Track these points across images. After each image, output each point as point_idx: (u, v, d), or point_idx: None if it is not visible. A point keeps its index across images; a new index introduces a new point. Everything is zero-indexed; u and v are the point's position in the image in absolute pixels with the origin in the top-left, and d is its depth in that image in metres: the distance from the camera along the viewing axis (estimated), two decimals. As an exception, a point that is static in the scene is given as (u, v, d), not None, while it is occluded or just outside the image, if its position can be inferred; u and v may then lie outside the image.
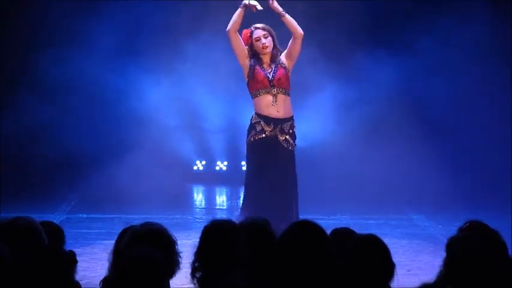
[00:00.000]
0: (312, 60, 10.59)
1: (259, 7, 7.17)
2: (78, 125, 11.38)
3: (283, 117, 7.19)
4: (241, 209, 7.28)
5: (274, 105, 7.17)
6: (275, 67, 7.21)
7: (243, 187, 7.31)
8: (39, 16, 11.21)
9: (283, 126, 7.19)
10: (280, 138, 7.18)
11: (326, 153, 11.35)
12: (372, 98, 11.38)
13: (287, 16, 7.19)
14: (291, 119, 7.23)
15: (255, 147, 7.19)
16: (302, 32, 7.19)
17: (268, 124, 7.17)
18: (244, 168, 11.80)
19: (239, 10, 7.15)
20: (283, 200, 7.10)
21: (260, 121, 7.18)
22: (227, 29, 7.15)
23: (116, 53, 11.30)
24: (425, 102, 11.59)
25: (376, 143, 11.34)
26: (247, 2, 7.15)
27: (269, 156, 7.13)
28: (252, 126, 7.21)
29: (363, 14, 11.36)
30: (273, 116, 7.16)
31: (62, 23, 11.27)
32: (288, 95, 7.23)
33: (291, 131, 7.22)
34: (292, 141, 7.22)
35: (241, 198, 7.41)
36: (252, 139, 7.19)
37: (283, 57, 7.27)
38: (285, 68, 7.23)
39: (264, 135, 7.16)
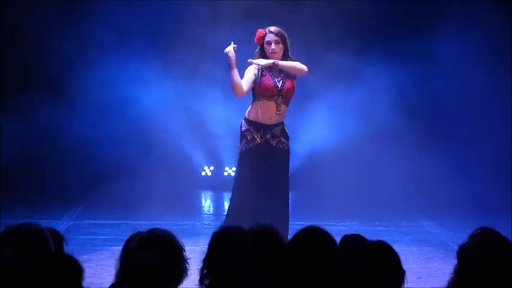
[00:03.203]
0: (319, 63, 10.54)
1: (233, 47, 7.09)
2: (85, 130, 11.37)
3: (273, 124, 7.14)
4: (227, 216, 7.22)
5: (278, 114, 7.12)
6: (284, 76, 7.16)
7: (231, 194, 7.25)
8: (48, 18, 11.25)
9: (273, 131, 7.14)
10: (272, 142, 7.14)
11: (335, 159, 11.32)
12: (382, 103, 11.35)
13: (281, 64, 7.08)
14: (281, 123, 7.19)
15: (246, 156, 7.13)
16: (306, 70, 7.13)
17: (257, 131, 7.12)
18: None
19: (232, 72, 7.03)
20: (277, 207, 7.04)
21: (249, 128, 7.14)
22: (237, 96, 7.06)
23: (123, 55, 11.29)
24: (436, 108, 11.55)
25: (386, 149, 11.30)
26: (228, 50, 7.06)
27: (261, 162, 7.07)
28: (242, 135, 7.18)
29: (370, 16, 11.34)
30: (263, 122, 7.11)
31: (67, 22, 11.27)
32: (288, 105, 7.20)
33: (282, 133, 7.16)
34: (285, 140, 7.17)
35: (228, 206, 7.36)
36: (243, 148, 7.15)
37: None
38: (292, 80, 7.18)
39: (254, 143, 7.12)
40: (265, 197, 7.02)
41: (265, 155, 7.10)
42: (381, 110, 11.37)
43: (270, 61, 7.06)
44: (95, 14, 11.15)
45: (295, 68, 7.10)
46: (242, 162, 7.19)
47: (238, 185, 7.21)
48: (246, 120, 7.18)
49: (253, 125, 7.13)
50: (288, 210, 7.13)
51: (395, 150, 11.29)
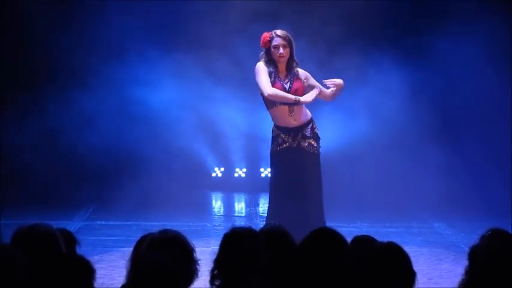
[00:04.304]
0: (325, 63, 10.50)
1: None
2: (96, 131, 11.38)
3: (301, 124, 7.14)
4: (267, 218, 7.23)
5: (291, 115, 7.11)
6: (292, 78, 7.15)
7: (268, 196, 7.28)
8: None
9: (303, 132, 7.14)
10: (303, 144, 7.13)
11: (346, 160, 11.29)
12: (391, 104, 11.31)
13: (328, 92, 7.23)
14: (309, 122, 7.19)
15: (278, 157, 7.15)
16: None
17: (288, 135, 7.12)
18: (263, 175, 11.86)
19: (291, 98, 7.07)
20: (311, 208, 7.04)
21: (280, 133, 7.15)
22: (267, 95, 7.05)
23: (134, 58, 11.30)
24: (445, 107, 11.51)
25: (395, 149, 11.27)
26: (303, 100, 7.09)
27: (293, 164, 7.09)
28: (274, 139, 7.20)
29: (376, 16, 11.31)
30: (291, 125, 7.12)
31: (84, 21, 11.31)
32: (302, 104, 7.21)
33: (312, 134, 7.17)
34: (315, 144, 7.17)
35: (267, 208, 7.36)
36: (276, 149, 7.17)
37: (302, 74, 7.19)
38: (301, 80, 7.17)
39: (286, 145, 7.12)
40: (299, 199, 7.02)
41: (297, 157, 7.10)
42: (389, 110, 11.33)
43: (316, 92, 7.12)
44: (103, 15, 11.16)
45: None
46: (275, 163, 7.21)
47: (273, 187, 7.21)
48: (276, 126, 7.20)
49: (283, 130, 7.15)
50: (323, 211, 7.14)
51: (404, 150, 11.25)
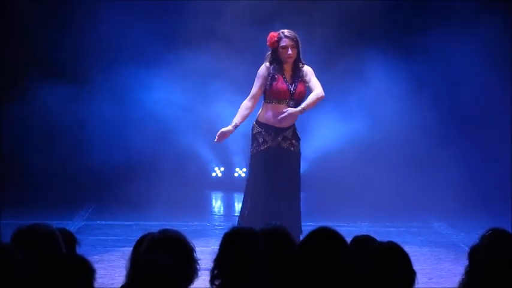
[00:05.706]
0: (322, 64, 10.49)
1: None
2: (96, 131, 11.39)
3: (284, 127, 7.12)
4: (240, 217, 7.20)
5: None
6: (297, 80, 7.12)
7: (243, 196, 7.22)
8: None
9: (284, 134, 7.10)
10: (284, 145, 7.10)
11: (346, 160, 11.29)
12: (391, 104, 11.31)
13: (305, 107, 7.06)
14: (291, 126, 7.16)
15: (258, 159, 7.10)
16: (323, 95, 7.10)
17: (269, 133, 7.08)
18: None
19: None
20: (287, 208, 7.01)
21: (261, 131, 7.10)
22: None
23: (133, 58, 11.30)
24: (445, 107, 11.51)
25: (396, 149, 11.27)
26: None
27: (273, 165, 7.04)
28: (253, 138, 7.15)
29: (375, 16, 11.32)
30: (275, 124, 7.07)
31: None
32: None
33: (293, 135, 7.14)
34: (296, 143, 7.15)
35: (240, 207, 7.32)
36: (255, 150, 7.13)
37: (307, 74, 7.14)
38: (305, 83, 7.14)
39: (266, 146, 7.09)
40: (277, 199, 7.00)
41: (276, 158, 7.06)
42: (389, 110, 11.33)
43: (297, 110, 7.01)
44: (102, 15, 11.16)
45: (317, 101, 7.09)
46: (254, 165, 7.16)
47: (250, 188, 7.18)
48: (258, 122, 7.14)
49: (265, 127, 7.09)
50: (300, 211, 7.12)
51: (403, 150, 11.25)
